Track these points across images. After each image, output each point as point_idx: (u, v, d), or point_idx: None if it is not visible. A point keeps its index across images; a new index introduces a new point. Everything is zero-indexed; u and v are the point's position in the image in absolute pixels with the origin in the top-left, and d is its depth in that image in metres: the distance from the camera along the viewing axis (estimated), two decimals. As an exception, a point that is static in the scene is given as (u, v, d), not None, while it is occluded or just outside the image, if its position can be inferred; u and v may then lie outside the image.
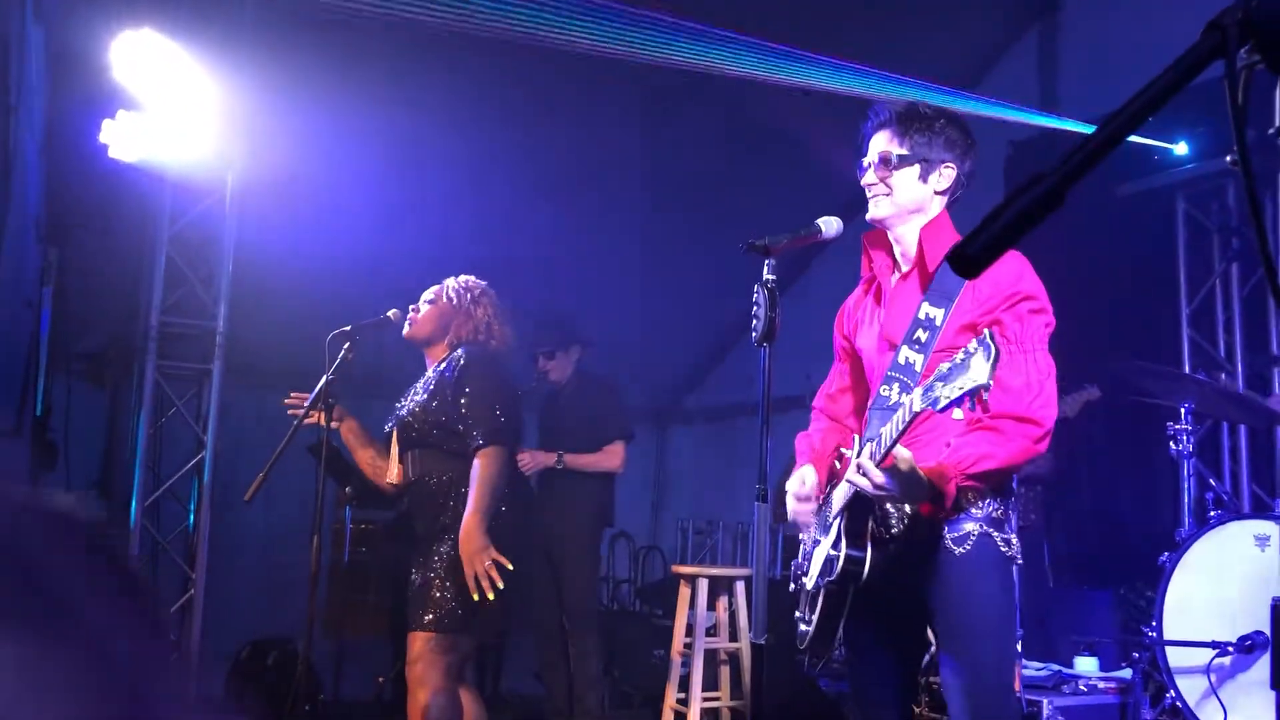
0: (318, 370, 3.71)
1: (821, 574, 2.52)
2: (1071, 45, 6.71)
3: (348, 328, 3.74)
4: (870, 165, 2.60)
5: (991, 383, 2.01)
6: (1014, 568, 2.48)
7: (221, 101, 5.08)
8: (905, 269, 2.62)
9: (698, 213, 6.85)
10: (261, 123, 5.13)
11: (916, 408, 2.18)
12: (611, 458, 5.43)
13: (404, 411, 3.73)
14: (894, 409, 2.44)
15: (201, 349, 5.56)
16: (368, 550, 6.31)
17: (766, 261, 2.51)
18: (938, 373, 2.12)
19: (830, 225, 2.61)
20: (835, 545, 2.46)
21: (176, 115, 5.03)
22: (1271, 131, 0.94)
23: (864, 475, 2.30)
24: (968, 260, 0.89)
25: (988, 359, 2.00)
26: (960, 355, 2.07)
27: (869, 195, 2.61)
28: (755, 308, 2.48)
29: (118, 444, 5.95)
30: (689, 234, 6.97)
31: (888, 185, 2.56)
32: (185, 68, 4.96)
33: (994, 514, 2.43)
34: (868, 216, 2.63)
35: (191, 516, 5.50)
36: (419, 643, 3.54)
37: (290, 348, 5.21)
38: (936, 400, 2.10)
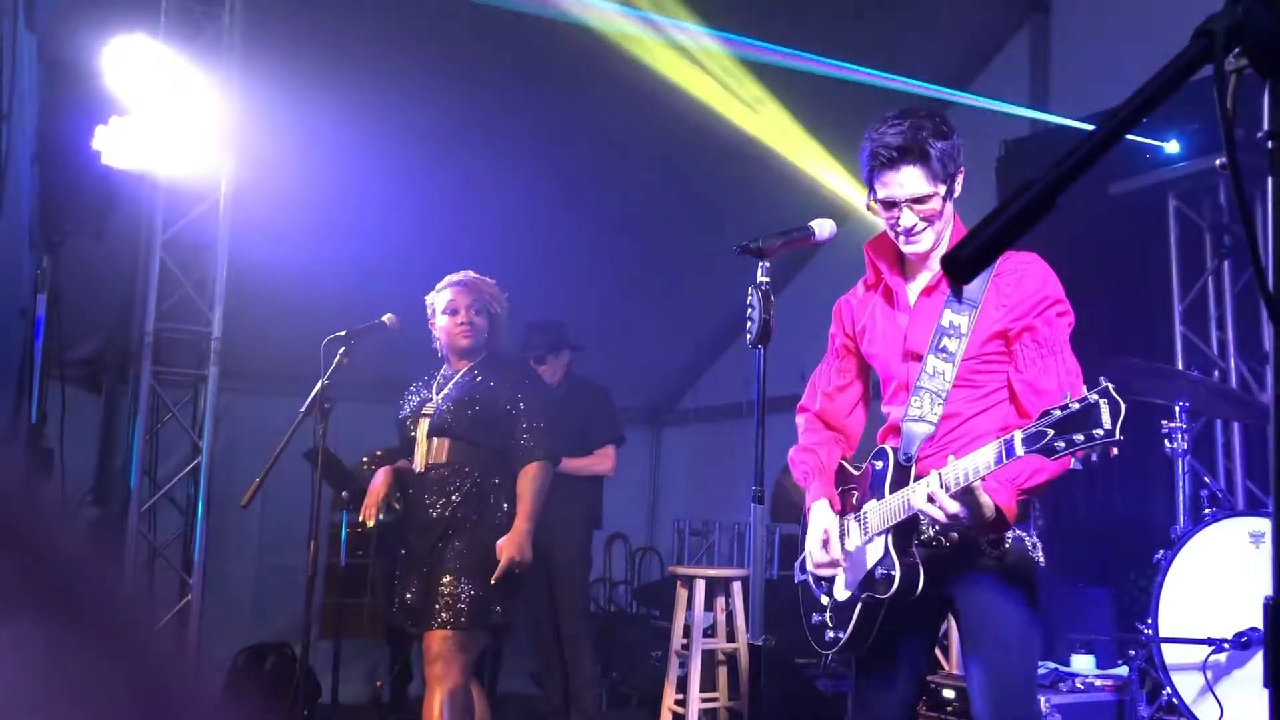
0: (313, 375, 3.72)
1: (862, 588, 2.52)
2: (1062, 45, 6.72)
3: (343, 333, 3.75)
4: (904, 206, 2.49)
5: (1121, 438, 1.99)
6: (1038, 569, 2.50)
7: (214, 106, 5.08)
8: (928, 280, 2.59)
9: (693, 215, 6.86)
10: (255, 127, 5.13)
11: (1020, 452, 2.14)
12: (603, 461, 5.48)
13: (440, 406, 3.76)
14: (928, 420, 2.46)
15: (196, 354, 5.56)
16: (364, 554, 6.30)
17: (760, 263, 2.52)
18: (1049, 418, 2.09)
19: (823, 227, 2.62)
20: (884, 563, 2.46)
21: (169, 121, 5.03)
22: (1260, 135, 0.95)
23: (933, 504, 2.28)
24: (961, 265, 0.90)
25: (1114, 415, 1.99)
26: (1074, 404, 2.05)
27: (911, 234, 2.52)
28: (750, 309, 2.49)
29: (113, 450, 5.95)
30: (685, 236, 6.97)
31: (929, 221, 2.51)
32: (178, 73, 4.96)
33: (1024, 518, 2.47)
34: (913, 251, 2.56)
35: (188, 522, 5.49)
36: (437, 642, 3.58)
37: (285, 353, 5.21)
38: (1053, 449, 2.07)
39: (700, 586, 4.94)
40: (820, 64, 5.24)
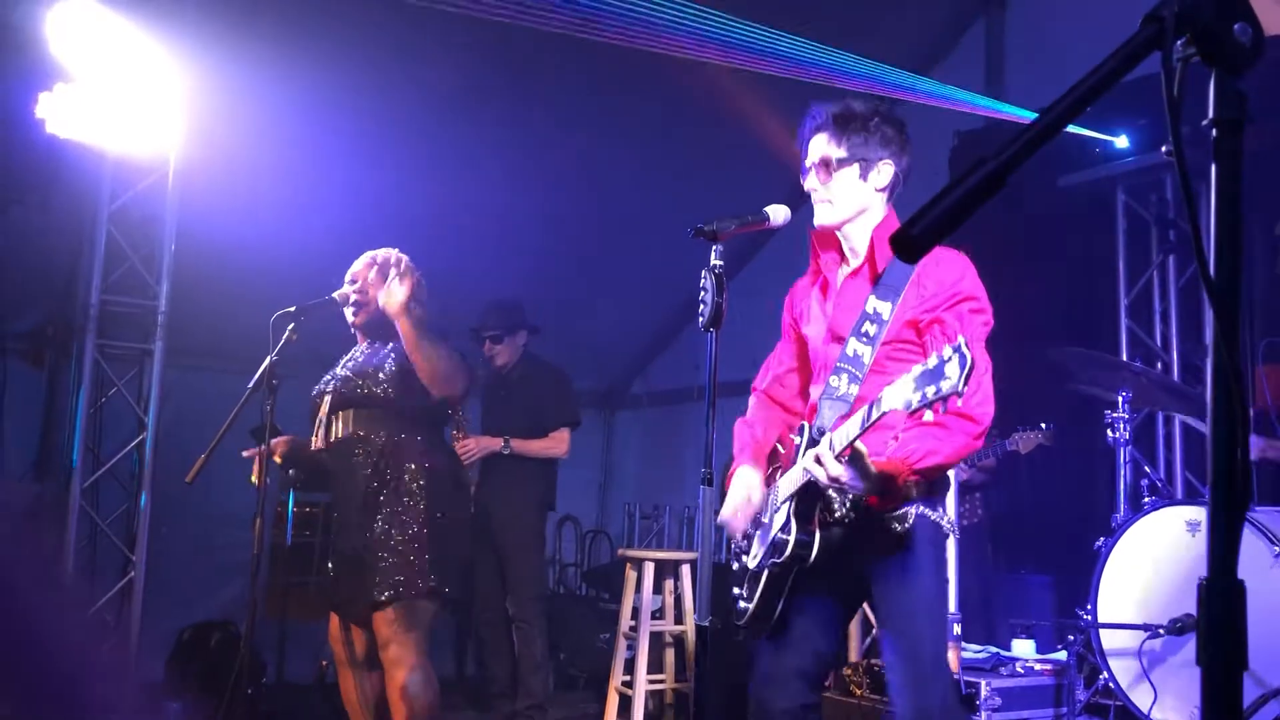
0: (261, 351, 3.67)
1: (767, 555, 2.58)
2: (1017, 38, 6.79)
3: (292, 308, 3.70)
4: (812, 168, 2.66)
5: (965, 390, 2.06)
6: (946, 541, 2.57)
7: (165, 74, 4.98)
8: (855, 264, 2.68)
9: (647, 197, 6.85)
10: (206, 96, 5.04)
11: (885, 408, 2.22)
12: (558, 444, 5.46)
13: (340, 378, 3.73)
14: (844, 399, 2.53)
15: (143, 328, 5.47)
16: (311, 533, 6.26)
17: (714, 247, 2.54)
18: (911, 374, 2.16)
19: (778, 213, 2.64)
20: (784, 529, 2.53)
21: (117, 88, 4.92)
22: (1205, 123, 0.97)
23: (820, 465, 2.35)
24: (911, 242, 0.91)
25: (962, 368, 2.05)
26: (934, 360, 2.11)
27: (814, 201, 2.67)
28: (703, 292, 2.51)
29: (56, 424, 5.84)
30: (638, 218, 6.96)
31: (829, 190, 2.63)
32: (127, 39, 4.85)
33: (929, 494, 2.53)
34: (815, 223, 2.70)
35: (131, 498, 5.42)
36: (384, 624, 3.53)
37: (233, 328, 5.14)
38: (909, 403, 2.15)
39: (649, 569, 4.96)
40: (780, 43, 5.25)
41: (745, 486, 2.70)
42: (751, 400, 2.97)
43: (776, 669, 2.65)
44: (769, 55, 5.26)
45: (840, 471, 2.33)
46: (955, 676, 4.13)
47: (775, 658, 2.66)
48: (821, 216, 2.67)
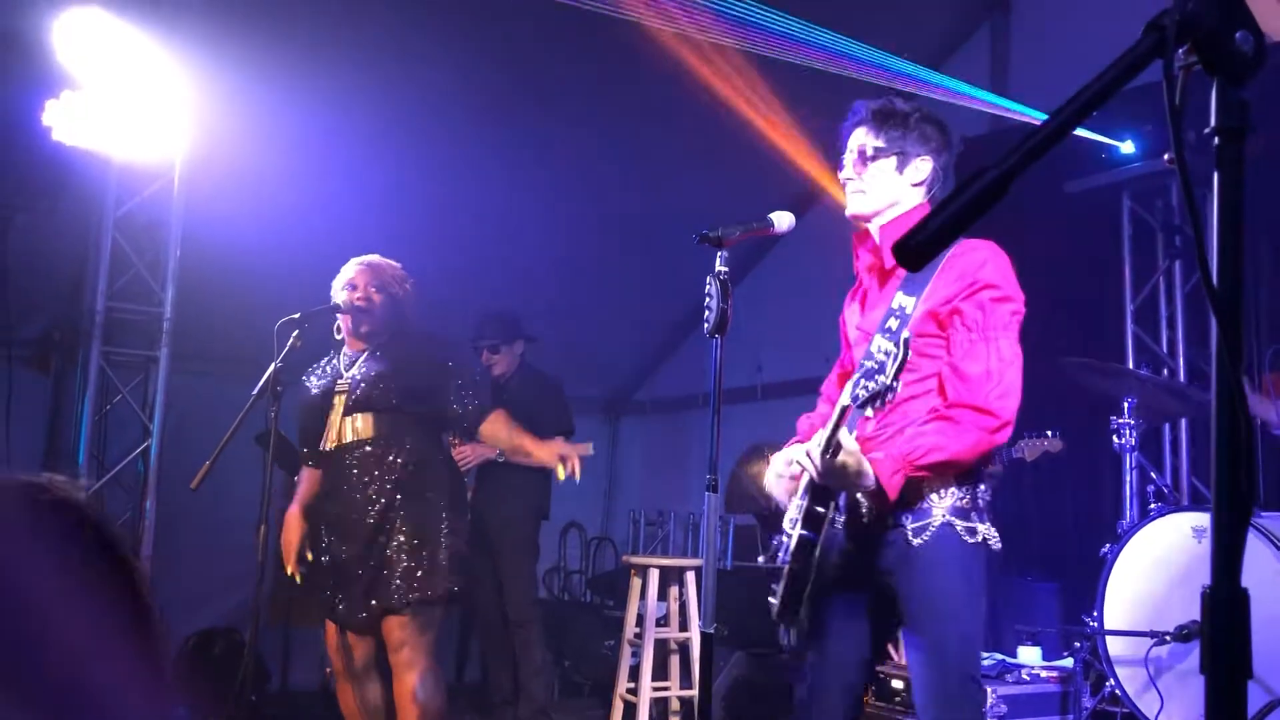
0: (266, 357, 3.68)
1: (785, 552, 2.57)
2: (1022, 42, 6.78)
3: (296, 315, 3.71)
4: (849, 160, 2.65)
5: (898, 385, 2.08)
6: (983, 554, 2.48)
7: (170, 81, 4.99)
8: (887, 263, 2.67)
9: (650, 201, 6.85)
10: (211, 102, 5.05)
11: (844, 402, 2.24)
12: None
13: (357, 380, 3.73)
14: None
15: (148, 335, 5.48)
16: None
17: (719, 253, 2.54)
18: (861, 370, 2.19)
19: (783, 220, 2.65)
20: (793, 524, 2.52)
21: (123, 96, 4.94)
22: (1208, 131, 0.97)
23: (810, 461, 2.35)
24: (911, 251, 0.91)
25: (894, 362, 2.06)
26: (881, 355, 2.13)
27: (848, 192, 2.65)
28: (708, 299, 2.51)
29: (62, 431, 5.85)
30: (641, 223, 6.96)
31: (863, 180, 2.61)
32: (133, 46, 4.87)
33: (959, 503, 2.45)
34: (847, 212, 2.67)
35: (137, 505, 5.42)
36: (398, 628, 3.55)
37: (238, 335, 5.14)
38: (857, 397, 2.17)
39: (654, 576, 4.96)
40: (790, 47, 5.25)
41: (781, 456, 2.66)
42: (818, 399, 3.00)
43: (818, 682, 2.62)
44: (774, 37, 5.24)
45: (821, 467, 2.32)
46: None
47: (817, 672, 2.63)
48: (854, 205, 2.64)
